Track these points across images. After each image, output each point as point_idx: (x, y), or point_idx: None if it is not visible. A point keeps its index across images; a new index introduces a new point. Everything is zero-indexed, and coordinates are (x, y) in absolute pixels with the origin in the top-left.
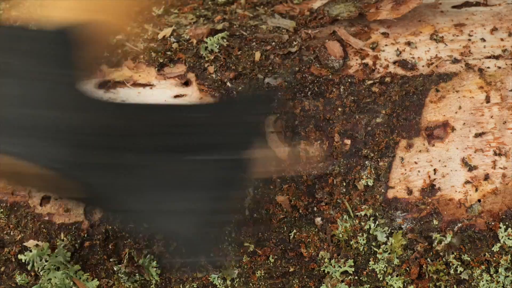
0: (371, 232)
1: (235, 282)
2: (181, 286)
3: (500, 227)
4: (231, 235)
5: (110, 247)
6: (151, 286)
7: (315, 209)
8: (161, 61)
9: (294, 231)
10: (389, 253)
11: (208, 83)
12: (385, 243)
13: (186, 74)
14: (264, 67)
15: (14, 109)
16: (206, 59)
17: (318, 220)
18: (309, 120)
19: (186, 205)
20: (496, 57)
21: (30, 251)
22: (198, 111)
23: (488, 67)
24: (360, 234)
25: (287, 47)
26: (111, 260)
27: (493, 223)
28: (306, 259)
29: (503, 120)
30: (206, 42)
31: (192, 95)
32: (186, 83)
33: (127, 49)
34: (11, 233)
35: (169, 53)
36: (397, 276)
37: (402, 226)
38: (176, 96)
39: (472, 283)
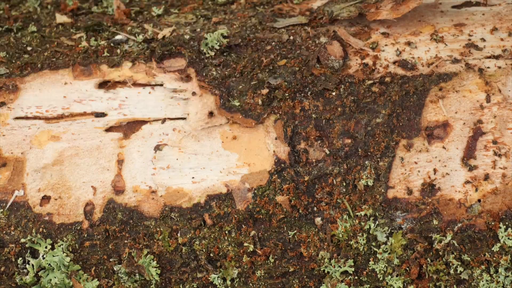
0: (371, 232)
1: (235, 282)
2: (181, 286)
3: (500, 227)
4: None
5: (110, 247)
6: (151, 286)
7: (315, 209)
8: (160, 52)
9: (294, 231)
10: (389, 253)
11: (208, 80)
12: (385, 243)
13: (186, 69)
14: (264, 67)
15: None
16: (207, 55)
17: (318, 220)
18: (309, 120)
19: None
20: (496, 57)
21: (31, 251)
22: None
23: (488, 67)
24: (360, 234)
25: (287, 47)
26: (111, 260)
27: (493, 223)
28: (306, 259)
29: (503, 120)
30: (206, 39)
31: (192, 91)
32: (186, 78)
33: (127, 49)
34: (11, 233)
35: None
36: (397, 276)
37: (402, 226)
38: (175, 91)
39: (472, 283)
